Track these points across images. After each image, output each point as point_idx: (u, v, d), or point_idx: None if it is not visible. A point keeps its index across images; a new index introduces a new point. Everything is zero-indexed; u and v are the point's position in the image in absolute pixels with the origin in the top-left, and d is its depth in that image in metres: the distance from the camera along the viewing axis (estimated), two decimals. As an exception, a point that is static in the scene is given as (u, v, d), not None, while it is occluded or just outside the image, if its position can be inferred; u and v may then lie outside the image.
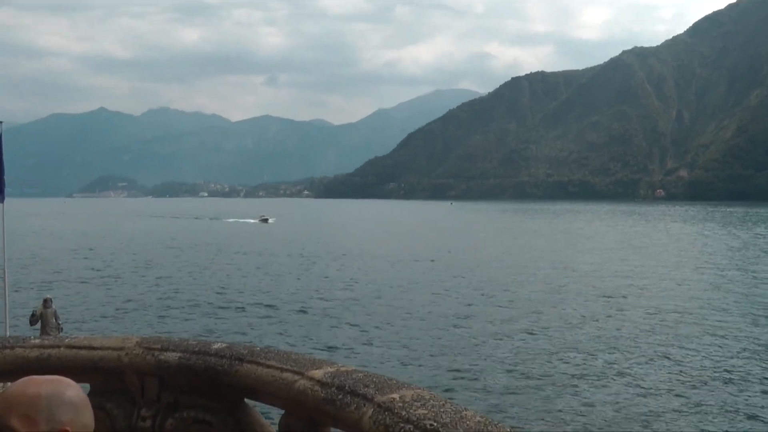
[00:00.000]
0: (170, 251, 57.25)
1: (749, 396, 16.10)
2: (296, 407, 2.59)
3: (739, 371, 18.41)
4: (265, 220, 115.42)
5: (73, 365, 3.04)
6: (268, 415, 3.29)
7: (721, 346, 21.50)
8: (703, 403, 15.58)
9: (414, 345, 21.66)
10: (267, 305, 29.44)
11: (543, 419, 14.45)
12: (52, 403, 1.25)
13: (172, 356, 2.93)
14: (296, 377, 2.58)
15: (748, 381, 17.39)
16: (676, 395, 16.16)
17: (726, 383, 17.21)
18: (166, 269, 43.43)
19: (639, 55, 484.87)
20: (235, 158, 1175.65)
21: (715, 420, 14.54)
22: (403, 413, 2.09)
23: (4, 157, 12.76)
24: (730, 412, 15.00)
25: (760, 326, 24.77)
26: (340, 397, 2.36)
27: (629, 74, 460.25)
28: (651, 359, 19.84)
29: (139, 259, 50.17)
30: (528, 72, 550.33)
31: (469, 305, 29.59)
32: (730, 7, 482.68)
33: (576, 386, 16.90)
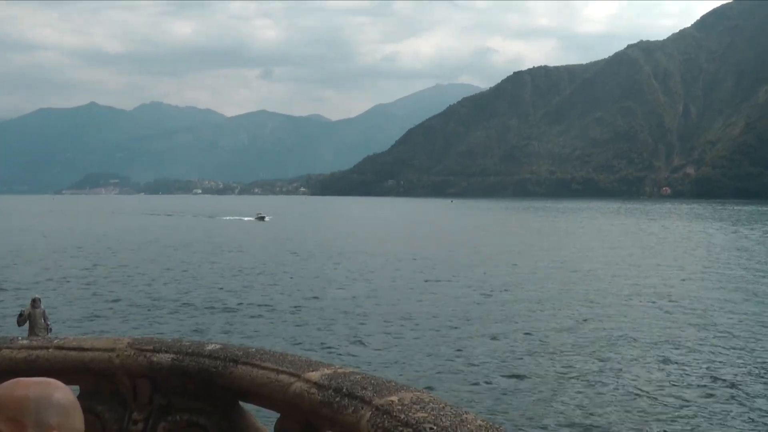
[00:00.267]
0: (163, 250, 57.11)
1: (757, 397, 16.12)
2: (292, 410, 2.59)
3: (746, 372, 18.43)
4: (262, 218, 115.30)
5: (62, 367, 3.03)
6: (264, 419, 3.29)
7: (728, 348, 21.54)
8: (709, 404, 15.61)
9: (413, 346, 21.66)
10: (263, 305, 29.40)
11: (545, 422, 14.46)
12: (41, 406, 1.24)
13: (165, 357, 2.92)
14: (292, 379, 2.57)
15: (757, 382, 17.41)
16: (680, 396, 16.18)
17: (733, 385, 17.23)
18: (159, 268, 43.33)
19: (645, 49, 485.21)
20: (230, 154, 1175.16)
21: (729, 422, 14.55)
22: (402, 416, 2.09)
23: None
24: (739, 414, 15.02)
25: (768, 327, 24.80)
26: (337, 399, 2.35)
27: (634, 69, 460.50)
28: (655, 361, 19.87)
29: (131, 257, 50.06)
30: (531, 66, 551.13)
31: (470, 305, 29.58)
32: (737, 0, 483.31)
33: (578, 388, 16.92)
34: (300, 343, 21.99)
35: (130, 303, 29.76)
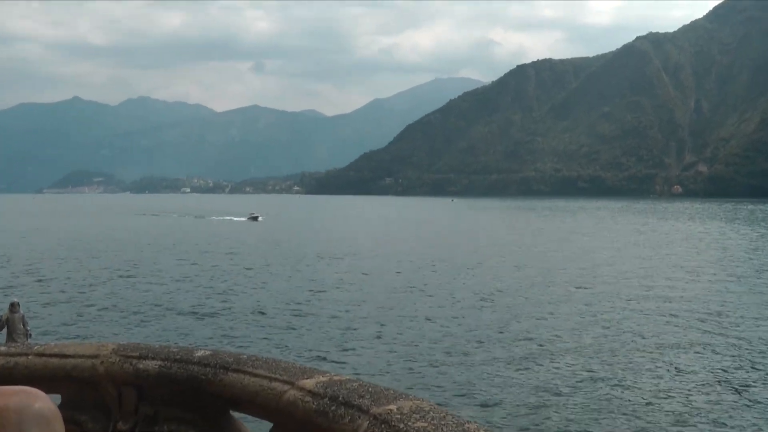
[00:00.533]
0: (150, 252, 57.08)
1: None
2: (286, 419, 2.57)
3: (760, 378, 18.42)
4: (255, 218, 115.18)
5: (42, 375, 3.03)
6: (256, 428, 3.24)
7: (742, 353, 21.53)
8: (720, 410, 15.59)
9: (413, 352, 21.64)
10: (255, 310, 29.39)
11: (551, 429, 14.43)
12: (21, 417, 1.23)
13: (152, 365, 2.91)
14: (286, 387, 2.56)
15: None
16: (691, 402, 16.16)
17: (745, 391, 17.21)
18: (145, 271, 43.27)
19: (654, 41, 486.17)
20: (220, 151, 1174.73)
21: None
22: (402, 426, 2.07)
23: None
24: (752, 423, 15.01)
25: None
26: (333, 408, 2.34)
27: (644, 62, 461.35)
28: (666, 368, 19.85)
29: (115, 259, 49.97)
30: (534, 59, 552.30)
31: (472, 309, 29.59)
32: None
33: (586, 394, 16.89)
34: (294, 350, 21.93)
35: (114, 307, 29.67)
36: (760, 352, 21.79)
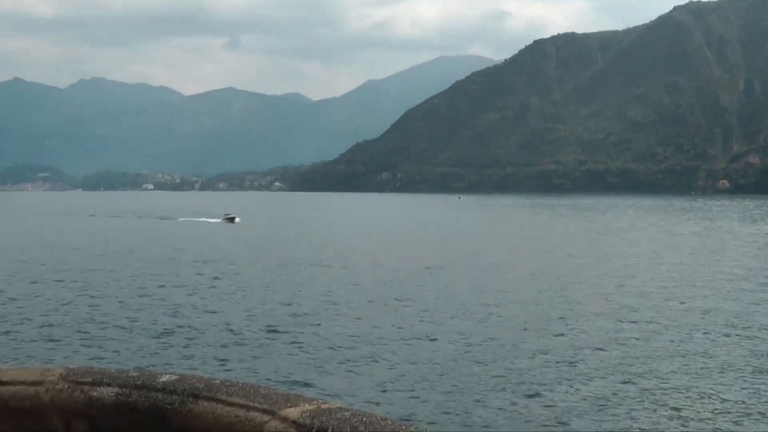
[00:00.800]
0: (105, 259, 57.00)
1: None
2: (266, 455, 2.51)
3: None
4: (231, 220, 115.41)
5: None
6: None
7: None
8: None
9: (412, 376, 21.72)
10: (229, 328, 29.49)
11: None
12: None
13: (108, 392, 2.89)
14: (266, 417, 2.57)
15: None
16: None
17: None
18: (99, 282, 43.23)
19: (695, 12, 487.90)
20: (189, 142, 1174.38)
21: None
22: None
23: None
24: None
25: None
26: None
27: (683, 36, 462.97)
28: (704, 391, 19.98)
29: (63, 269, 49.97)
30: (554, 34, 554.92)
31: (480, 326, 29.74)
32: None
33: (617, 417, 16.99)
34: (274, 373, 22.01)
35: (62, 325, 29.66)
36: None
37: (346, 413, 2.49)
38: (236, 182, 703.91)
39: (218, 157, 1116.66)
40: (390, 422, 2.41)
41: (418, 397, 19.50)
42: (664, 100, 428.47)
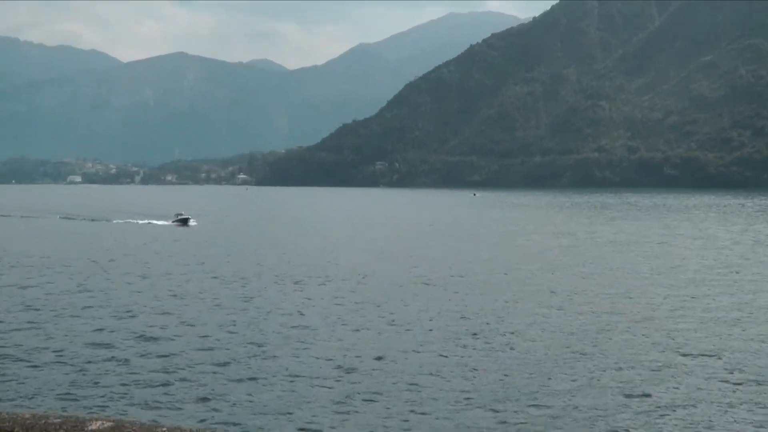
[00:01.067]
0: (16, 272, 56.91)
1: None
2: None
3: None
4: (184, 222, 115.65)
5: None
6: None
7: None
8: None
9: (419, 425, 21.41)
10: (174, 361, 29.53)
11: None
12: None
13: None
14: None
15: None
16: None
17: None
18: (8, 303, 43.13)
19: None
20: (128, 122, 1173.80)
21: None
22: None
23: None
24: None
25: None
26: None
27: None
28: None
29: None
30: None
31: (500, 354, 29.80)
32: None
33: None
34: (231, 417, 22.01)
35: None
36: None
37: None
38: (189, 174, 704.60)
39: (166, 141, 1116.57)
40: None
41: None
42: (740, 71, 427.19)
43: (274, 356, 30.15)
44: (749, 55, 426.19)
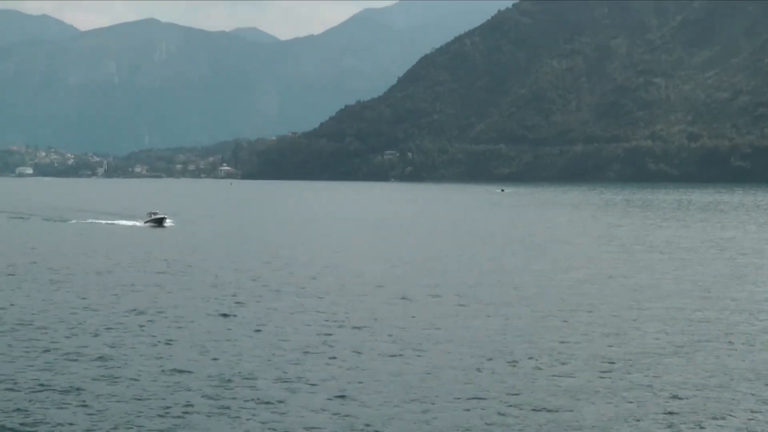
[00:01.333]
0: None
1: None
2: None
3: None
4: (159, 222, 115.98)
5: None
6: None
7: None
8: None
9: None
10: (143, 387, 29.68)
11: None
12: None
13: None
14: None
15: None
16: None
17: None
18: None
19: None
20: (88, 102, 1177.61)
21: None
22: None
23: None
24: None
25: None
26: None
27: None
28: None
29: None
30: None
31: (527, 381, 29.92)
32: None
33: None
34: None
35: None
36: None
37: None
38: (162, 165, 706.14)
39: (134, 126, 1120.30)
40: None
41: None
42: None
43: (258, 388, 30.22)
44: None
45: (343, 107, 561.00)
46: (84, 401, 28.26)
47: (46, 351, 35.80)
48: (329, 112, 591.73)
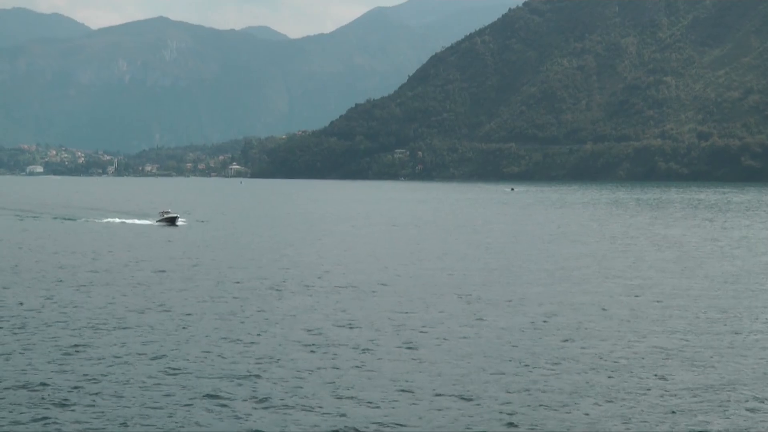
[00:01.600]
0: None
1: None
2: None
3: None
4: (172, 221, 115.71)
5: None
6: None
7: None
8: None
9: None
10: (147, 386, 29.85)
11: None
12: None
13: None
14: None
15: None
16: None
17: None
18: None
19: None
20: (99, 101, 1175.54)
21: None
22: None
23: None
24: None
25: None
26: None
27: None
28: None
29: None
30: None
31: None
32: None
33: None
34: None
35: None
36: None
37: None
38: (172, 164, 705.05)
39: (144, 124, 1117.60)
40: None
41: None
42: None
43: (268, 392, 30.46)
44: None
45: (353, 106, 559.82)
46: (90, 400, 28.66)
47: (52, 348, 36.05)
48: (339, 110, 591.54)
